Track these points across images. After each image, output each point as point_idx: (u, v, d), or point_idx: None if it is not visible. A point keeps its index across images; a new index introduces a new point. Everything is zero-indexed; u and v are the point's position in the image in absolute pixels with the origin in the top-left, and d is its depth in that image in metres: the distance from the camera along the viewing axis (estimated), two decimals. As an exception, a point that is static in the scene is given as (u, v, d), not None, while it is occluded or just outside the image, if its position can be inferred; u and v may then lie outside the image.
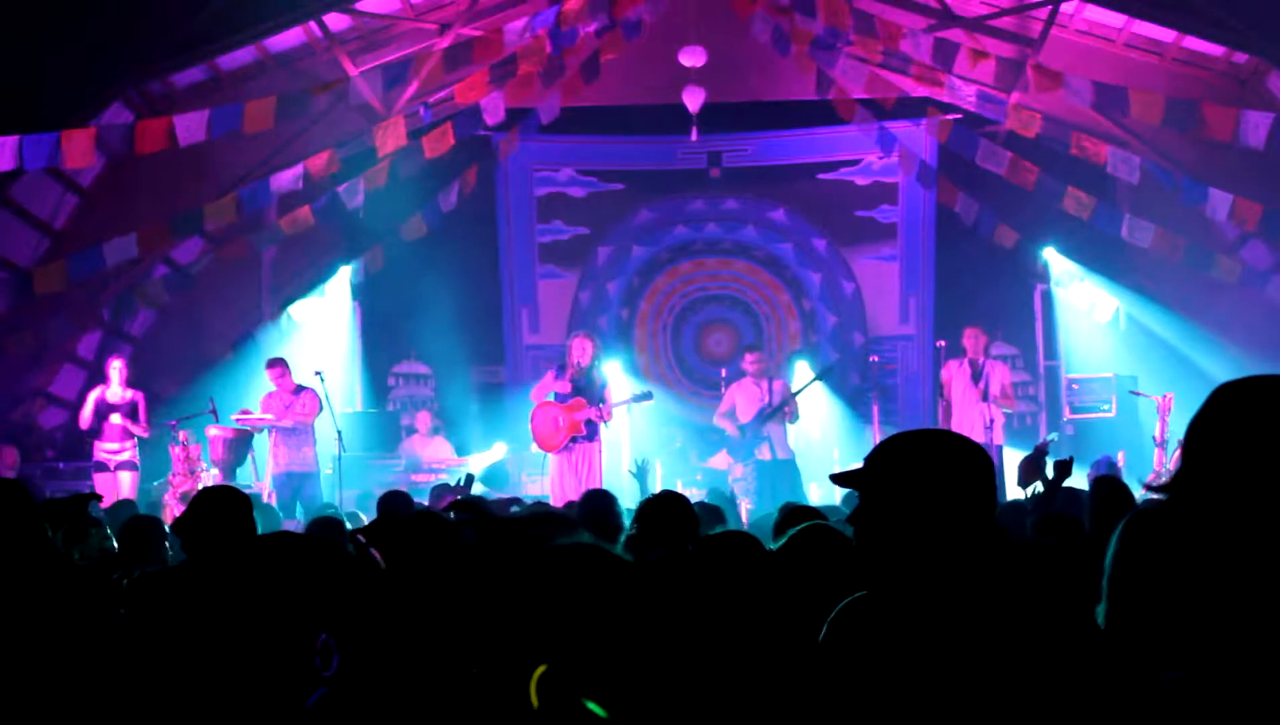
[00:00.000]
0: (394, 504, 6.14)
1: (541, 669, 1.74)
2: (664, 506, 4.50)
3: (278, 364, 11.35)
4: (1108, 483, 4.74)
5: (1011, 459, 10.04)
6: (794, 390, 11.20)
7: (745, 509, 9.80)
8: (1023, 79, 12.11)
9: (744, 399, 11.14)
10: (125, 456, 10.92)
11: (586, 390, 10.20)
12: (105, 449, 10.88)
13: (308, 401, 11.14)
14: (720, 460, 12.24)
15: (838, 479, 2.21)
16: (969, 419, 10.88)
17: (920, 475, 2.08)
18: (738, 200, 15.01)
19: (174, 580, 3.62)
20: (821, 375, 12.24)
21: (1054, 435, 10.74)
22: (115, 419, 10.92)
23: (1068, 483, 5.05)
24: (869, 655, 2.06)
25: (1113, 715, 1.92)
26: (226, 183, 12.31)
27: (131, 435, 11.00)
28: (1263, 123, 10.35)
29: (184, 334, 13.57)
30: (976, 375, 10.93)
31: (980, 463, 2.11)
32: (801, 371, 13.21)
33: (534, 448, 11.23)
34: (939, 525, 2.05)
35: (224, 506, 4.15)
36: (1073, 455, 5.40)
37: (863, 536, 2.12)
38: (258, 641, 2.00)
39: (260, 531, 6.08)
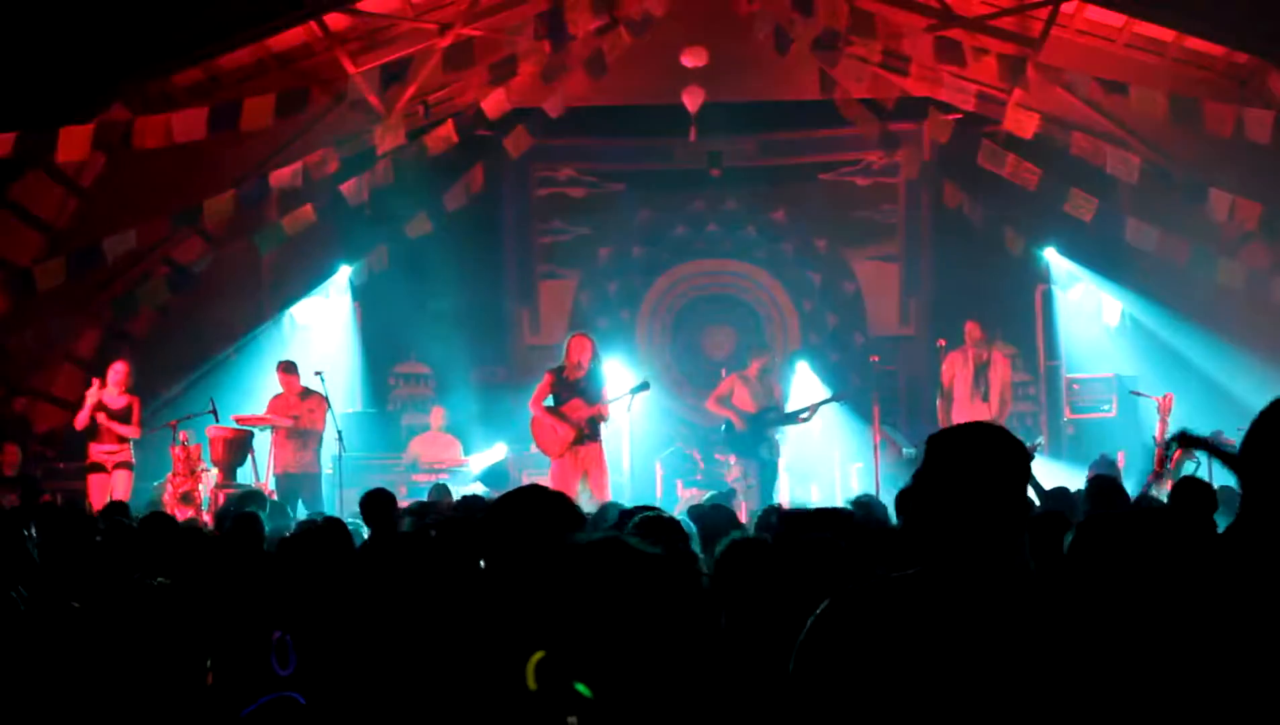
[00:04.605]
0: (386, 503, 6.12)
1: (539, 655, 1.73)
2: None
3: (287, 367, 11.38)
4: (1102, 482, 4.75)
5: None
6: (806, 406, 11.25)
7: (746, 510, 9.76)
8: (1023, 78, 12.09)
9: (741, 391, 11.16)
10: (122, 457, 10.90)
11: (586, 390, 10.18)
12: (102, 450, 10.85)
13: (316, 408, 11.16)
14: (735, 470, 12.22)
15: None
16: (967, 417, 10.88)
17: (964, 462, 2.22)
18: (738, 200, 14.99)
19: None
20: (835, 399, 11.89)
21: (1039, 440, 10.73)
22: (105, 421, 10.85)
23: (1060, 483, 5.08)
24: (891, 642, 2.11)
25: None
26: (226, 184, 12.30)
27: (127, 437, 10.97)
28: (1265, 120, 10.36)
29: (184, 334, 13.55)
30: (978, 377, 10.93)
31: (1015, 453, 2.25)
32: (803, 372, 13.19)
33: (534, 448, 11.22)
34: (979, 509, 2.18)
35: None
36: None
37: (912, 517, 2.27)
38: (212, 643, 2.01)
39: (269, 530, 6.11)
